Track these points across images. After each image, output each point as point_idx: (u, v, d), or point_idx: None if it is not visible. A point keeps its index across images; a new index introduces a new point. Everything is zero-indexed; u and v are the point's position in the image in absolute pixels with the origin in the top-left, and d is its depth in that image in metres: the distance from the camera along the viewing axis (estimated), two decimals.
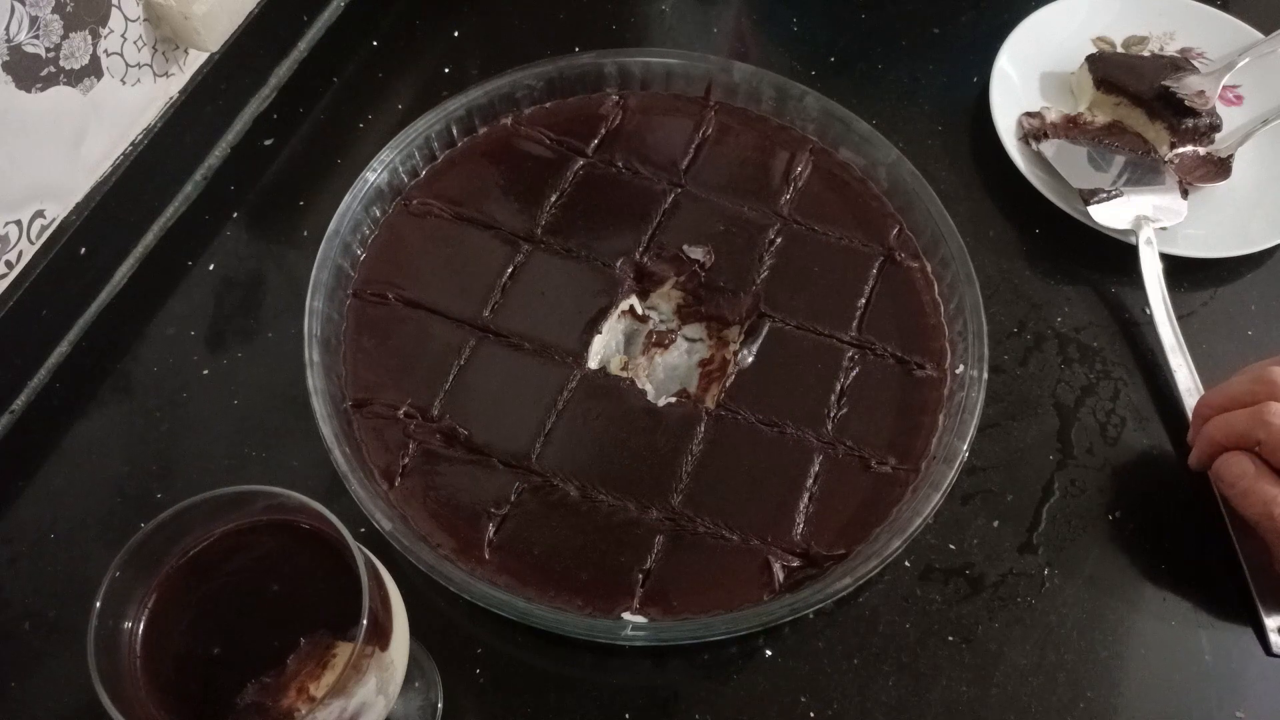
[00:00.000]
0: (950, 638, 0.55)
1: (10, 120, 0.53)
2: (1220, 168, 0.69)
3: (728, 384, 0.58)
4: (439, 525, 0.54)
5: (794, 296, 0.61)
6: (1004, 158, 0.69)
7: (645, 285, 0.62)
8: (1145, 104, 0.71)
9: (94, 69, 0.58)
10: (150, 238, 0.66)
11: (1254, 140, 0.70)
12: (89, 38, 0.57)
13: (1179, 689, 0.54)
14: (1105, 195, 0.66)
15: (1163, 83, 0.70)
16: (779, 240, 0.63)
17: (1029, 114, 0.72)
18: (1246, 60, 0.72)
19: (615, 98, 0.68)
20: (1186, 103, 0.69)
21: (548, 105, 0.68)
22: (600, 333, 0.60)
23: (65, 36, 0.55)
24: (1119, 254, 0.66)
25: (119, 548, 0.37)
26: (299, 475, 0.58)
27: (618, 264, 0.62)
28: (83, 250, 0.60)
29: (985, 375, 0.57)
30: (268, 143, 0.70)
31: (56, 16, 0.54)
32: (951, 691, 0.54)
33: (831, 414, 0.58)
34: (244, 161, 0.69)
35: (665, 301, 0.63)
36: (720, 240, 0.63)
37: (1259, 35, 0.74)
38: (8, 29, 0.51)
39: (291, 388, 0.57)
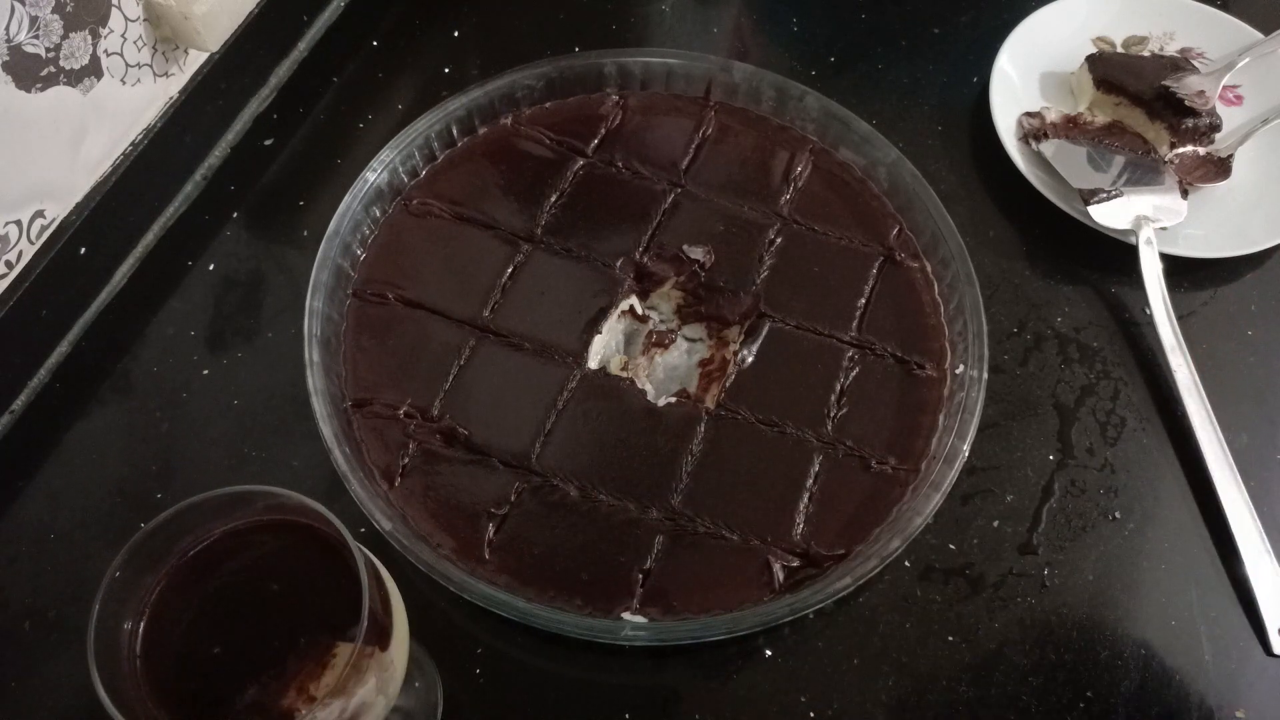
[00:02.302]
0: (950, 638, 0.55)
1: (10, 120, 0.53)
2: (1220, 168, 0.69)
3: (728, 384, 0.58)
4: (439, 525, 0.54)
5: (794, 296, 0.61)
6: (1004, 158, 0.69)
7: (645, 285, 0.62)
8: (1145, 104, 0.71)
9: (94, 69, 0.58)
10: (150, 238, 0.66)
11: (1254, 140, 0.70)
12: (89, 38, 0.57)
13: (1179, 689, 0.54)
14: (1105, 195, 0.66)
15: (1163, 83, 0.70)
16: (779, 240, 0.63)
17: (1029, 114, 0.72)
18: (1246, 60, 0.72)
19: (615, 98, 0.68)
20: (1186, 103, 0.69)
21: (548, 105, 0.68)
22: (600, 333, 0.60)
23: (65, 36, 0.55)
24: (1119, 254, 0.66)
25: (119, 548, 0.37)
26: (299, 475, 0.58)
27: (618, 264, 0.62)
28: (83, 250, 0.60)
29: (985, 375, 0.57)
30: (268, 143, 0.70)
31: (56, 16, 0.54)
32: (951, 691, 0.54)
33: (831, 414, 0.58)
34: (244, 161, 0.69)
35: (665, 301, 0.63)
36: (720, 240, 0.63)
37: (1259, 35, 0.74)
38: (8, 29, 0.51)
39: (291, 388, 0.57)
